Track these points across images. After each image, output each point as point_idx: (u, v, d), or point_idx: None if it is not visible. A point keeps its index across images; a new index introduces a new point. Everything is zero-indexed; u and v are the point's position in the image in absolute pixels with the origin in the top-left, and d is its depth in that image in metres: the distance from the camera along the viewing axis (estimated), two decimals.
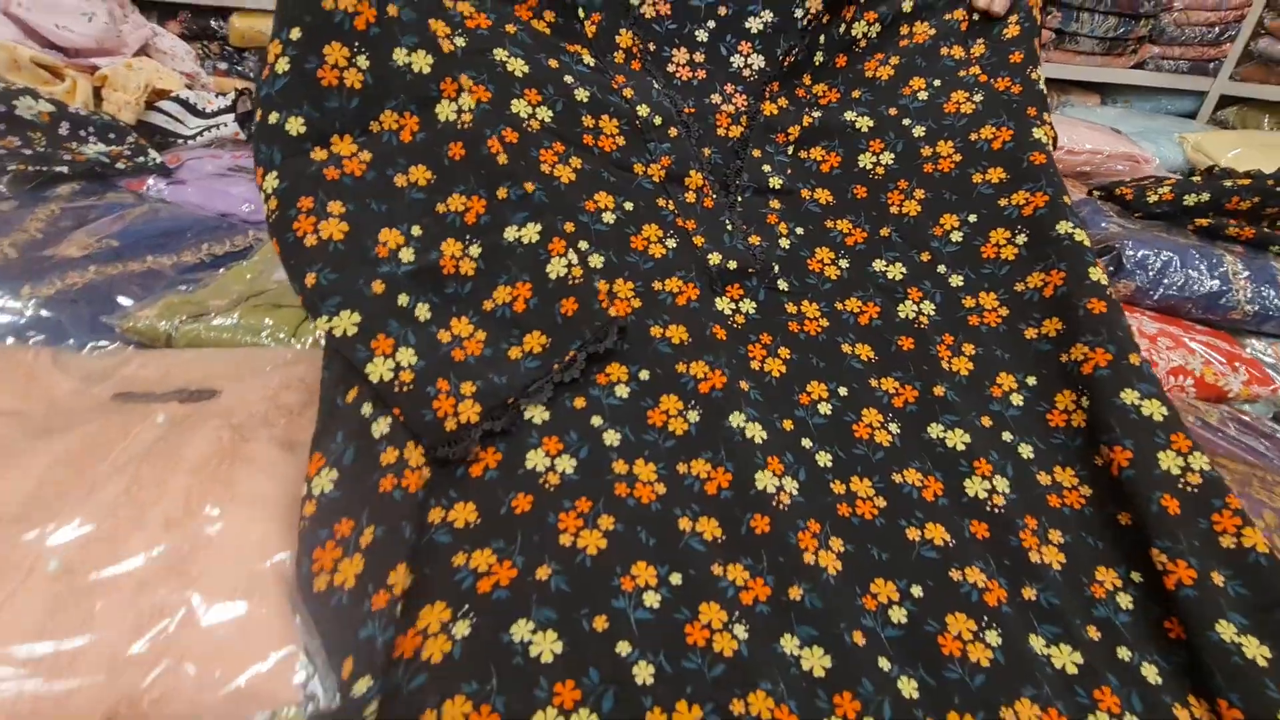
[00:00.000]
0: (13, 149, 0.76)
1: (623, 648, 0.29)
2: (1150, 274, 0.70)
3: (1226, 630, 0.32)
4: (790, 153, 0.52)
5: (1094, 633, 0.34)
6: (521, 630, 0.30)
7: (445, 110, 0.42)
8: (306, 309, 0.37)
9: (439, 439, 0.35)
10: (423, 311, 0.38)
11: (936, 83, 0.53)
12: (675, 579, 0.32)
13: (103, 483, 0.34)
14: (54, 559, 0.29)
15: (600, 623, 0.30)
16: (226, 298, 0.62)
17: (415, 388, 0.36)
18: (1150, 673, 0.33)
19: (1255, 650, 0.32)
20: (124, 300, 0.60)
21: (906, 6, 0.53)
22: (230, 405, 0.43)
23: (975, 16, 0.54)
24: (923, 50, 0.53)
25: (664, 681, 0.28)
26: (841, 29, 0.52)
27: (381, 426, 0.35)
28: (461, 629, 0.29)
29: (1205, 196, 0.83)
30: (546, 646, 0.29)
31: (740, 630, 0.31)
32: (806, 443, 0.40)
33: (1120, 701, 0.32)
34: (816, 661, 0.30)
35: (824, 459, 0.40)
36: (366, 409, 0.35)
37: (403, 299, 0.38)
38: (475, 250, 0.41)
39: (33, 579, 0.29)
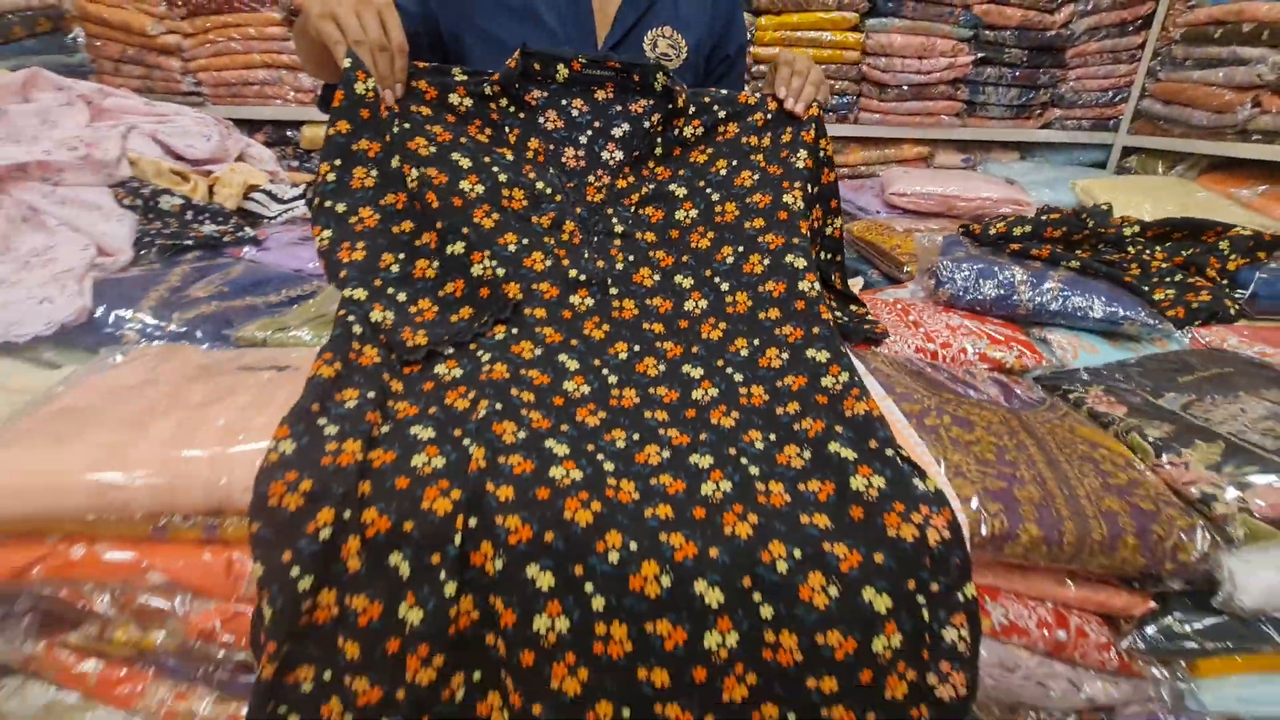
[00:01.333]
0: (157, 230, 1.10)
1: (467, 442, 0.56)
2: (958, 284, 0.95)
3: (834, 445, 0.57)
4: (633, 211, 0.81)
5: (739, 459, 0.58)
6: (419, 431, 0.56)
7: (415, 184, 0.73)
8: (338, 288, 0.66)
9: (404, 351, 0.64)
10: (401, 296, 0.68)
11: (734, 163, 0.81)
12: (496, 406, 0.59)
13: (237, 400, 0.63)
14: (222, 422, 0.57)
15: (458, 433, 0.56)
16: (299, 320, 0.92)
17: (394, 327, 0.64)
18: (754, 470, 0.57)
19: (847, 453, 0.56)
20: (234, 322, 0.90)
21: (721, 114, 0.82)
22: (300, 375, 0.72)
23: (769, 116, 0.82)
24: (730, 142, 0.82)
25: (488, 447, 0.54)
26: (676, 132, 0.82)
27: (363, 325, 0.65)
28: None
29: (1028, 228, 1.08)
30: (426, 436, 0.55)
31: (514, 435, 0.57)
32: (606, 373, 0.67)
33: (723, 474, 0.56)
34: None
35: (613, 379, 0.66)
36: (359, 322, 0.64)
37: (390, 290, 0.68)
38: (436, 264, 0.71)
39: (210, 430, 0.57)
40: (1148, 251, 1.07)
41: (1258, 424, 0.65)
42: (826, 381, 0.65)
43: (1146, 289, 0.95)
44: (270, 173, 1.43)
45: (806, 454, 0.60)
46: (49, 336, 0.78)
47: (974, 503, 0.57)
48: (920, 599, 0.52)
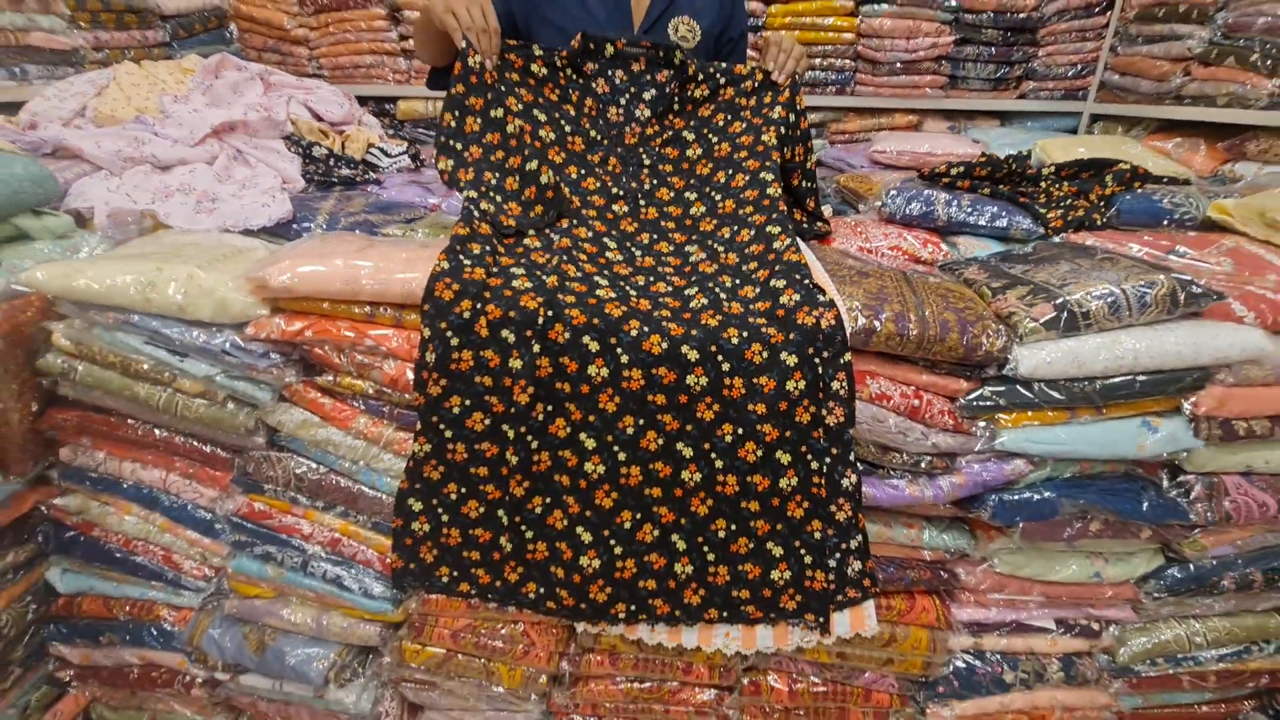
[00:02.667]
0: (312, 171, 1.51)
1: (545, 276, 0.93)
2: (894, 205, 1.29)
3: (774, 281, 0.93)
4: (656, 150, 1.18)
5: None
6: (515, 270, 0.93)
7: (509, 128, 1.11)
8: (456, 190, 1.06)
9: (500, 229, 1.01)
10: (497, 199, 1.06)
11: (729, 117, 1.17)
12: (563, 259, 0.97)
13: (408, 246, 1.02)
14: (404, 255, 0.96)
15: (538, 272, 0.94)
16: (420, 227, 1.32)
17: (493, 216, 1.03)
18: (723, 296, 0.94)
19: (780, 283, 0.93)
20: (377, 227, 1.31)
21: (722, 81, 1.18)
22: (438, 245, 1.11)
23: (756, 83, 1.18)
24: (727, 102, 1.18)
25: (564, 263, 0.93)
26: (688, 94, 1.18)
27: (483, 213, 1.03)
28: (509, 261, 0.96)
29: (961, 169, 1.40)
30: (519, 272, 0.92)
31: (574, 272, 0.95)
32: (633, 248, 1.04)
33: (703, 296, 0.94)
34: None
35: (637, 252, 1.03)
36: (476, 210, 1.03)
37: (491, 194, 1.06)
38: (518, 181, 1.09)
39: (399, 258, 0.96)
40: (1055, 185, 1.38)
41: (1058, 275, 0.98)
42: (777, 245, 1.01)
43: (1042, 209, 1.27)
44: (380, 135, 1.84)
45: (757, 290, 0.97)
46: (269, 228, 1.20)
47: (855, 311, 0.92)
48: (816, 361, 0.88)
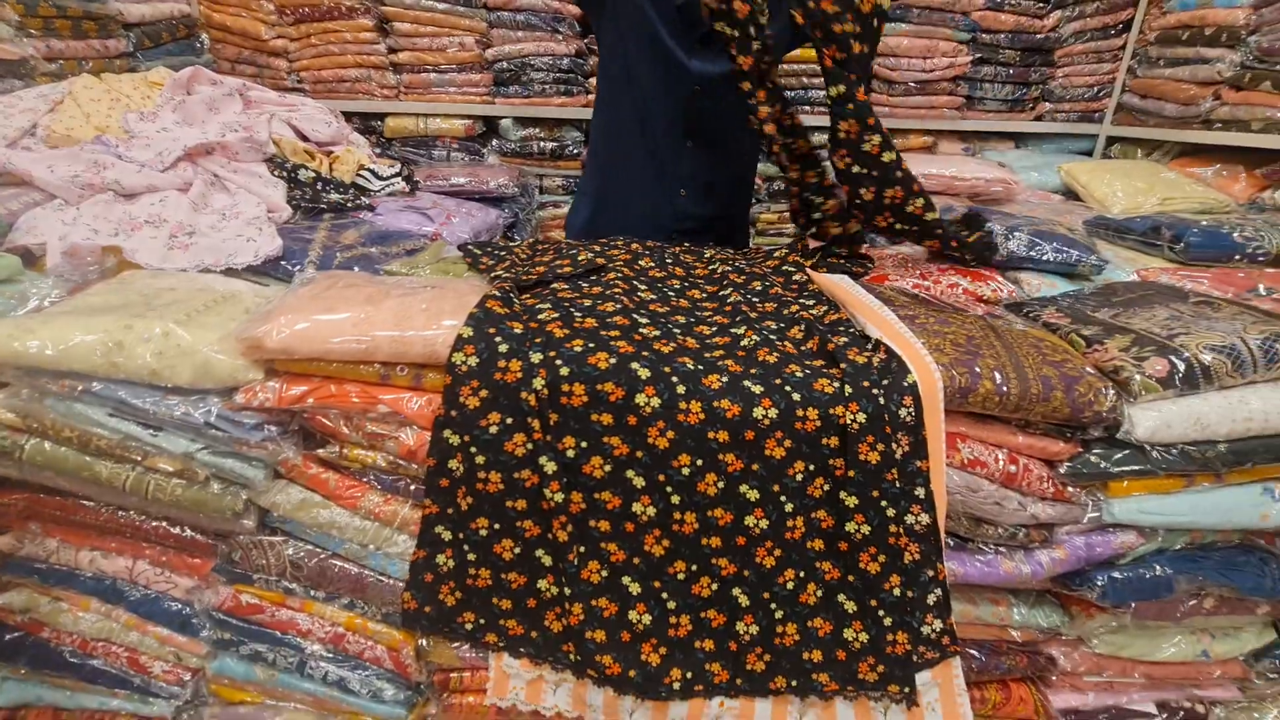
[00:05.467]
0: (298, 197, 1.36)
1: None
2: None
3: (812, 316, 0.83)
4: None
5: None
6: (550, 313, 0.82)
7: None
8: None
9: (522, 286, 0.90)
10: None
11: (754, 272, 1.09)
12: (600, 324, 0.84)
13: (426, 295, 0.88)
14: (424, 306, 0.82)
15: (590, 322, 0.82)
16: (423, 263, 1.17)
17: (513, 274, 0.91)
18: (773, 336, 0.84)
19: (822, 321, 0.81)
20: (377, 262, 1.16)
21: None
22: (447, 291, 0.97)
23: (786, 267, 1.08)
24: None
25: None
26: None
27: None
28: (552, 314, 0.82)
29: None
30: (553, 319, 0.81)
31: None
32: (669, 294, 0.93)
33: (753, 333, 0.84)
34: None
35: (672, 295, 0.94)
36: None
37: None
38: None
39: (418, 310, 0.81)
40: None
41: (1160, 323, 0.88)
42: (814, 312, 0.91)
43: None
44: (370, 156, 1.69)
45: (802, 331, 0.87)
46: (255, 265, 1.04)
47: (948, 368, 0.81)
48: (875, 391, 0.77)
